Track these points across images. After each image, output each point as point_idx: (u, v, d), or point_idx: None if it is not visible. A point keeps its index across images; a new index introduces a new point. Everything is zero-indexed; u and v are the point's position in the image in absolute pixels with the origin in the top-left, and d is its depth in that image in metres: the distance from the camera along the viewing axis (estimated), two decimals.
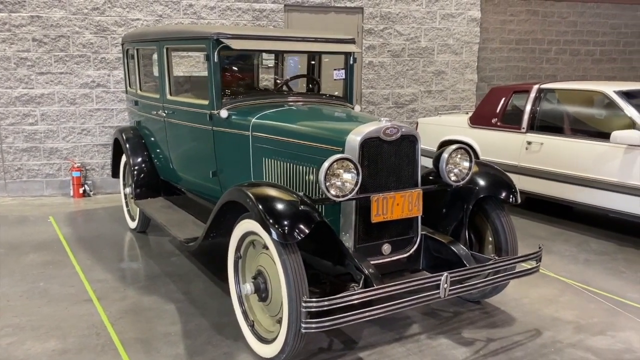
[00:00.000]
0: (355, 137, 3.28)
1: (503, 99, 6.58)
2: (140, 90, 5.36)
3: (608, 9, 13.94)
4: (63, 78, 7.08)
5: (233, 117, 4.09)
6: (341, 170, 3.14)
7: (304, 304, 2.72)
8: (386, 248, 3.47)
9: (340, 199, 3.15)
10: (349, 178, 3.15)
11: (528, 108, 6.20)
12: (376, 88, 8.19)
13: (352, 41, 4.59)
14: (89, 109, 7.26)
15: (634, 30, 14.28)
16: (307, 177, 3.55)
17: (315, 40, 4.41)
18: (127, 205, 5.88)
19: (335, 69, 4.72)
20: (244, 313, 3.40)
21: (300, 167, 3.59)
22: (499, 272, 3.41)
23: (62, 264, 4.78)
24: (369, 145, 3.29)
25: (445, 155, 3.54)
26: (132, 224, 5.71)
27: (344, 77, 4.69)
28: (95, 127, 7.32)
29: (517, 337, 3.51)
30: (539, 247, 3.55)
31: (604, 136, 5.45)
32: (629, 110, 5.32)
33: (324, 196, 3.19)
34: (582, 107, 6.02)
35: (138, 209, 5.41)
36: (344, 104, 4.67)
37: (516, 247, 3.72)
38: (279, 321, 3.02)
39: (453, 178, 3.57)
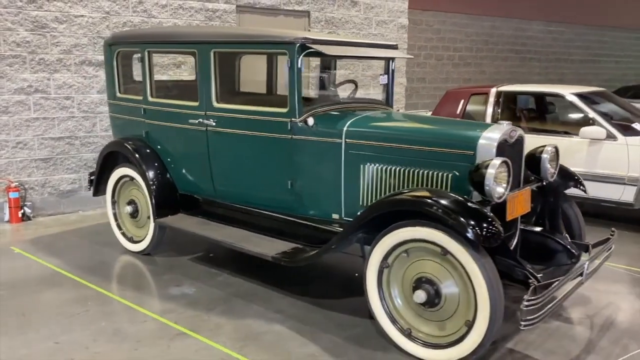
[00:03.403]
0: (489, 141, 3.45)
1: (462, 100, 7.18)
2: (152, 97, 4.81)
3: (462, 19, 15.68)
4: None
5: (319, 125, 3.96)
6: (503, 173, 3.30)
7: (526, 303, 2.85)
8: None
9: (501, 200, 3.31)
10: (506, 180, 3.33)
11: (490, 110, 6.86)
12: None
13: (396, 47, 4.72)
14: (25, 118, 6.23)
15: (482, 38, 16.26)
16: (427, 182, 3.61)
17: (378, 46, 4.48)
18: (120, 227, 5.23)
19: (381, 74, 4.80)
20: (397, 324, 3.36)
21: (421, 173, 3.62)
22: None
23: (100, 299, 4.14)
24: (500, 147, 3.49)
25: (545, 155, 3.89)
26: (134, 247, 5.10)
27: (387, 81, 4.80)
28: (33, 140, 6.31)
29: (606, 312, 4.00)
30: (612, 232, 4.07)
31: (564, 133, 6.30)
32: (587, 110, 6.22)
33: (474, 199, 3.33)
34: (541, 107, 6.87)
35: (150, 228, 4.86)
36: (387, 107, 4.77)
37: (585, 235, 4.22)
38: (467, 324, 3.08)
39: (549, 175, 3.93)
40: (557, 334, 3.66)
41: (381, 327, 3.43)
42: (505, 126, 3.57)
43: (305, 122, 3.95)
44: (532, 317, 2.89)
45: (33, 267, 4.80)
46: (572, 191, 6.21)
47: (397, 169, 3.72)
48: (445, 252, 3.12)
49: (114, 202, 5.27)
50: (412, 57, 5.01)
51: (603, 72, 19.01)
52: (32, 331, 3.63)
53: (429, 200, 3.12)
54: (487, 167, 3.25)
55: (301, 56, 3.89)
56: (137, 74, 5.51)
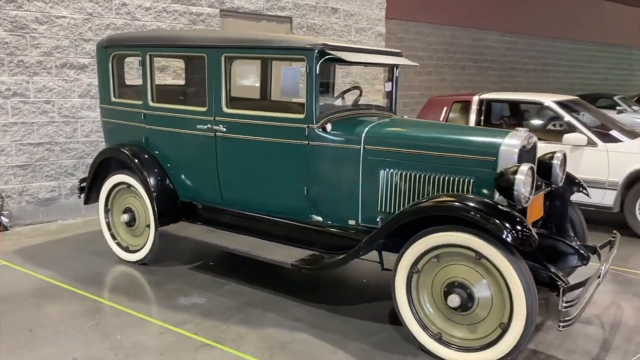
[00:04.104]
0: (510, 148, 3.54)
1: (444, 108, 7.32)
2: (154, 102, 4.67)
3: (425, 28, 16.02)
4: None
5: (336, 131, 3.95)
6: (529, 179, 3.38)
7: (564, 304, 2.93)
8: None
9: (526, 205, 3.40)
10: (531, 185, 3.41)
11: (472, 117, 7.03)
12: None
13: (401, 54, 4.78)
14: (2, 123, 5.93)
15: (443, 47, 16.65)
16: (446, 188, 3.65)
17: (386, 53, 4.52)
18: (114, 237, 5.04)
19: (386, 81, 4.84)
20: (427, 329, 3.38)
21: (440, 178, 3.66)
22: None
23: (108, 312, 3.98)
24: (520, 153, 3.58)
25: (556, 161, 4.00)
26: (130, 256, 4.92)
27: (391, 88, 4.84)
28: (10, 145, 6.00)
29: (612, 311, 4.16)
30: (614, 234, 4.24)
31: (541, 139, 6.54)
32: (567, 117, 6.47)
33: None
34: (523, 114, 7.09)
35: (150, 237, 4.71)
36: (391, 114, 4.81)
37: (588, 238, 4.38)
38: (502, 326, 3.13)
39: (559, 180, 4.06)
40: (572, 333, 3.77)
41: (410, 332, 3.44)
42: (523, 132, 3.67)
43: (324, 128, 3.93)
44: (569, 317, 2.98)
45: (24, 279, 4.56)
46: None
47: (417, 174, 3.76)
48: (479, 257, 3.16)
49: (107, 211, 5.07)
50: (418, 64, 5.05)
51: (553, 82, 19.83)
52: (45, 347, 3.44)
53: (465, 205, 3.16)
54: (514, 172, 3.33)
55: (319, 62, 3.88)
56: (128, 78, 5.36)
